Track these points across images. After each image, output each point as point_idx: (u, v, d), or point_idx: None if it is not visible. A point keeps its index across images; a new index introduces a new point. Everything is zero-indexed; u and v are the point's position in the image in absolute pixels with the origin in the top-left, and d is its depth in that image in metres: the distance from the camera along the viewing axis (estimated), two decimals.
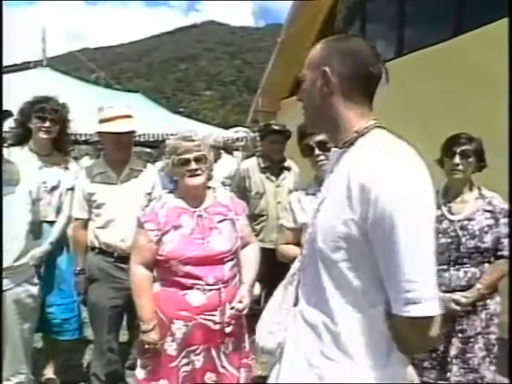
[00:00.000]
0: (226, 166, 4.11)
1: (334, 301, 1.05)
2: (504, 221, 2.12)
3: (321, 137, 2.01)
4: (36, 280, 2.30)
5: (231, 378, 2.04)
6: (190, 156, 1.96)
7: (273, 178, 3.38)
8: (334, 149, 1.18)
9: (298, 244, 2.10)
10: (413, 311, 0.95)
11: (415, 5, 5.59)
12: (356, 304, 1.03)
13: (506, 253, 2.10)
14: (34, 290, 2.26)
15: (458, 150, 2.15)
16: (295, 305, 1.20)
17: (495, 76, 3.56)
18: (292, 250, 2.12)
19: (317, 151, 2.04)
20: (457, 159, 2.14)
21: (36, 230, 2.37)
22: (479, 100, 3.71)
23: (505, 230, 2.11)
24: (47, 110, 2.61)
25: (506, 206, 2.14)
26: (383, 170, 0.97)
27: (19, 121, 2.65)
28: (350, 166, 1.03)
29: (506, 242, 2.10)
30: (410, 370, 1.14)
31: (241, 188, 3.33)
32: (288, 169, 3.44)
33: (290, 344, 1.17)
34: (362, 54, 1.09)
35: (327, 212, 1.07)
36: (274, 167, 3.40)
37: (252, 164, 3.49)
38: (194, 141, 1.99)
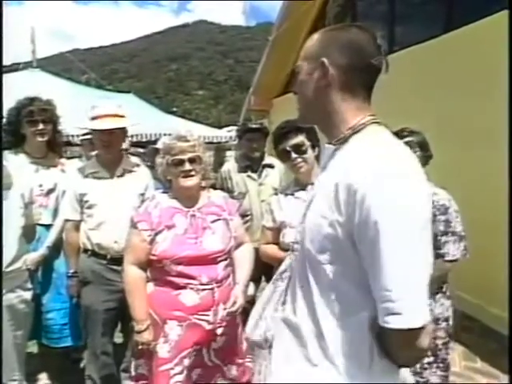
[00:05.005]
0: None
1: (319, 304, 1.01)
2: (441, 218, 2.07)
3: (296, 140, 2.04)
4: (29, 285, 2.26)
5: (216, 370, 2.04)
6: (185, 157, 1.95)
7: (254, 176, 3.35)
8: (327, 145, 1.13)
9: (277, 243, 2.12)
10: (392, 323, 0.90)
11: (405, 2, 5.61)
12: (341, 308, 0.99)
13: (443, 251, 2.07)
14: (27, 295, 2.23)
15: (402, 142, 2.14)
16: (283, 303, 1.18)
17: (485, 72, 3.59)
18: (270, 249, 2.14)
19: (293, 155, 2.06)
20: None
21: (29, 233, 2.34)
22: (470, 96, 3.74)
23: (442, 227, 2.07)
24: (36, 112, 2.57)
25: (447, 202, 2.10)
26: (373, 172, 0.91)
27: (8, 129, 2.61)
28: (341, 166, 0.99)
29: (443, 239, 2.07)
30: (403, 372, 1.11)
31: (224, 190, 3.31)
32: (270, 166, 3.39)
33: (276, 344, 1.15)
34: (362, 45, 1.03)
35: (315, 211, 1.04)
36: (255, 165, 3.37)
37: (233, 165, 3.46)
38: (188, 141, 1.98)
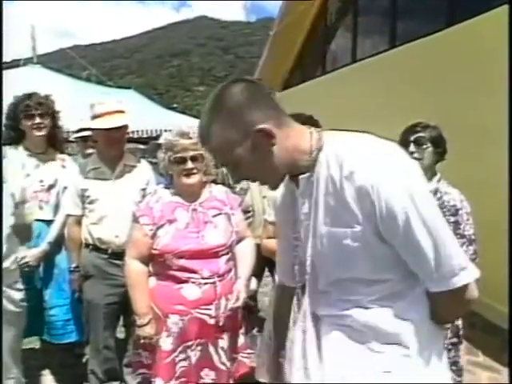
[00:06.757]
0: None
1: (372, 304, 1.02)
2: (450, 219, 2.00)
3: None
4: (20, 285, 2.22)
5: (229, 373, 2.05)
6: (187, 155, 1.94)
7: None
8: (301, 177, 1.06)
9: None
10: (462, 280, 0.97)
11: None
12: (395, 296, 1.02)
13: None
14: (17, 295, 2.17)
15: (412, 138, 2.12)
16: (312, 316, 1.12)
17: (487, 66, 3.57)
18: (272, 244, 2.12)
19: None
20: (412, 147, 2.09)
21: (22, 233, 2.31)
22: (472, 90, 3.73)
23: (451, 228, 2.00)
24: (32, 106, 2.53)
25: (458, 203, 2.04)
26: (377, 168, 0.94)
27: (8, 125, 2.59)
28: (334, 177, 0.98)
29: None
30: None
31: (225, 185, 3.30)
32: None
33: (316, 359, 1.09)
34: (256, 90, 1.02)
35: (330, 237, 1.01)
36: None
37: None
38: (191, 138, 1.96)
